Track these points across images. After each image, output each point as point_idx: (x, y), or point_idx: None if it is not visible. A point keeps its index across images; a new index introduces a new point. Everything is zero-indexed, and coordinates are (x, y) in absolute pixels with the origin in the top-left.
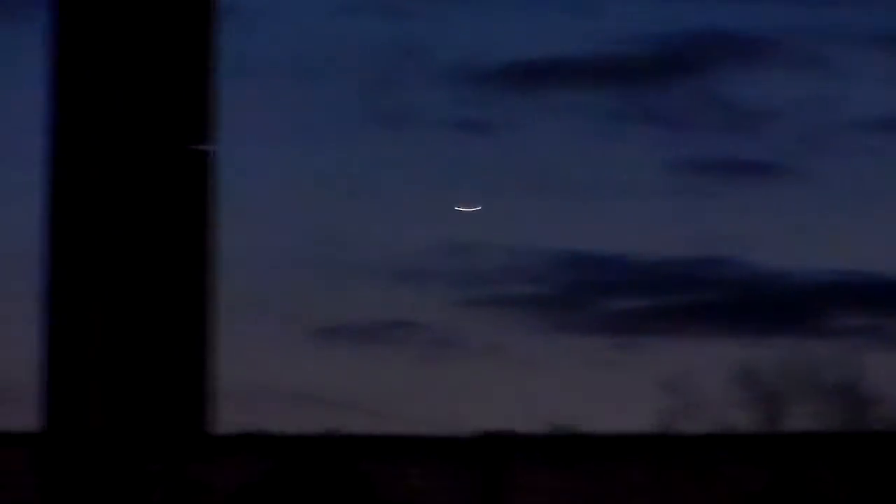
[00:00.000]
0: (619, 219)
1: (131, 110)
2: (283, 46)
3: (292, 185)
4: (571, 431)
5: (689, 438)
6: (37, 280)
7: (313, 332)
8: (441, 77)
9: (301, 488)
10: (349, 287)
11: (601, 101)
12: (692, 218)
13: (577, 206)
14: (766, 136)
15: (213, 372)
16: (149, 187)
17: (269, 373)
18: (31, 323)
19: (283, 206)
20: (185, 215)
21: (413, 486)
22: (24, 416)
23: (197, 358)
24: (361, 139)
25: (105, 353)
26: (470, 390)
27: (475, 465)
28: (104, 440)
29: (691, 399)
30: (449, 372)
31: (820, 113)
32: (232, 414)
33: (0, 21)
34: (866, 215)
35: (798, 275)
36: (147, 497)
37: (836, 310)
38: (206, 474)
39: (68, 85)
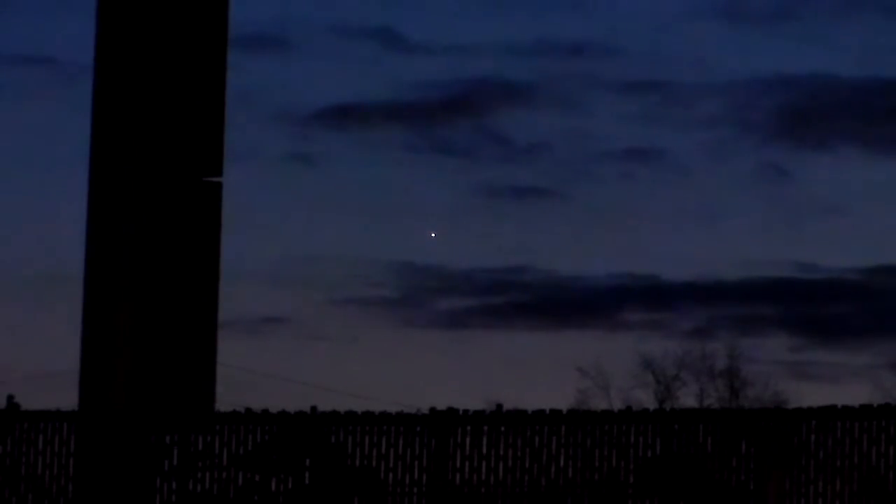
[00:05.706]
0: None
1: (157, 149)
2: None
3: None
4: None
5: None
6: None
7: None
8: (270, 120)
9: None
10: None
11: (400, 136)
12: (489, 233)
13: (394, 224)
14: (537, 165)
15: (215, 362)
16: (170, 210)
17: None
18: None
19: None
20: (198, 234)
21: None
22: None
23: (204, 351)
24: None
25: (130, 345)
26: (338, 373)
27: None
28: (127, 417)
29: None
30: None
31: (577, 145)
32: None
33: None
34: (624, 227)
35: (588, 278)
36: (161, 463)
37: (622, 306)
38: (209, 444)
39: (106, 134)
